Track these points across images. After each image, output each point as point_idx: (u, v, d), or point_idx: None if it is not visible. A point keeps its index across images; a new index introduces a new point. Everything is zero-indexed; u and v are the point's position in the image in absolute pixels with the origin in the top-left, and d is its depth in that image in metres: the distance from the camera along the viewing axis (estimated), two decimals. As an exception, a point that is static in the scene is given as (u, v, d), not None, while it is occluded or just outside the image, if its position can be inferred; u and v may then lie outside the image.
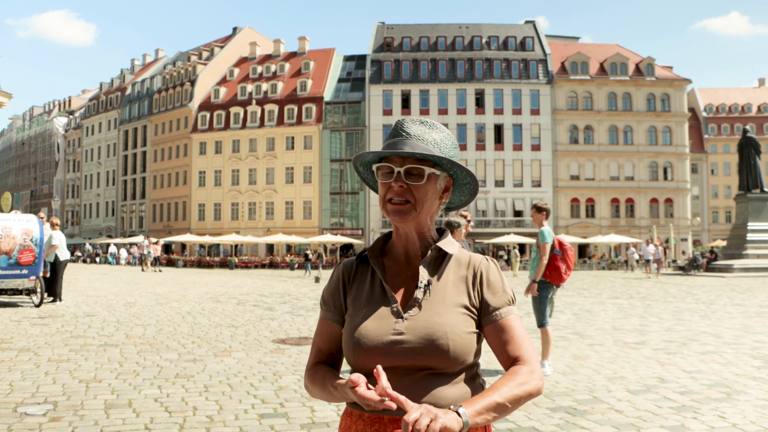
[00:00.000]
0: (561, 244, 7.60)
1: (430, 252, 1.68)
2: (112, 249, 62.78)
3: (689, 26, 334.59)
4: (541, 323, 7.44)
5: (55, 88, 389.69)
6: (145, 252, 43.11)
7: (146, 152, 75.31)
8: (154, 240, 48.48)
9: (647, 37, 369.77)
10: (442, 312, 1.59)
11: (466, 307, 1.62)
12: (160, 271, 42.06)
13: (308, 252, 43.55)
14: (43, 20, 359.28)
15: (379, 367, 1.45)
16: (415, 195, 1.63)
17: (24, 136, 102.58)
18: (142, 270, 41.25)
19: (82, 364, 7.48)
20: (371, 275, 1.71)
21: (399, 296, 1.65)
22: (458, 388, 1.58)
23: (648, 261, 34.19)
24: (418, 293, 1.62)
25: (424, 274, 1.65)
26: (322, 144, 64.97)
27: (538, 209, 7.74)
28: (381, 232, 59.16)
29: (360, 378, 1.46)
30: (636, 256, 46.83)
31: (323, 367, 1.70)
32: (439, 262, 1.69)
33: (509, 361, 1.59)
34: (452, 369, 1.57)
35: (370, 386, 1.46)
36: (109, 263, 60.62)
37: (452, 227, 6.92)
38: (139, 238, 63.47)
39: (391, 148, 1.65)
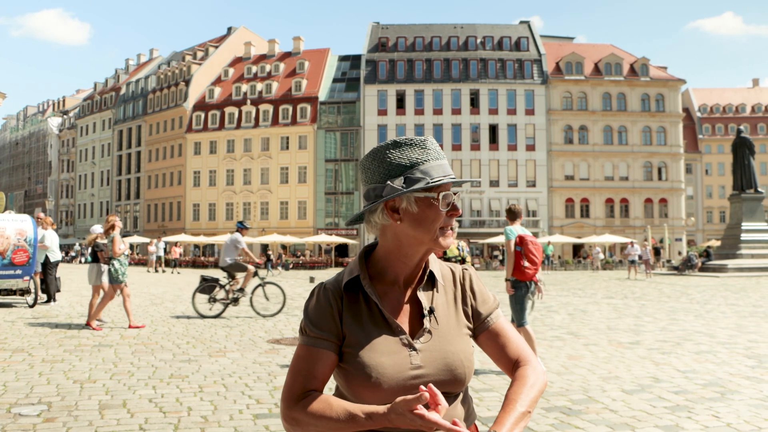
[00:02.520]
0: (522, 239, 7.46)
1: (424, 276, 1.65)
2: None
3: (683, 26, 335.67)
4: (520, 323, 7.30)
5: (49, 87, 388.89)
6: (155, 254, 41.75)
7: (141, 152, 75.15)
8: (162, 240, 47.08)
9: (641, 37, 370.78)
10: (451, 339, 1.58)
11: (466, 326, 1.63)
12: (179, 272, 40.20)
13: (270, 252, 43.39)
14: (37, 19, 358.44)
15: (431, 386, 1.39)
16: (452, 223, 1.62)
17: (18, 136, 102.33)
18: (148, 271, 40.53)
19: (76, 364, 7.46)
20: (365, 303, 1.60)
21: (402, 325, 1.59)
22: (462, 404, 1.60)
23: (632, 262, 33.79)
24: (425, 321, 1.58)
25: (424, 300, 1.61)
26: (317, 144, 64.94)
27: (508, 212, 7.76)
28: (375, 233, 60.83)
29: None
30: (601, 256, 47.26)
31: (327, 396, 1.53)
32: (430, 284, 1.65)
33: (510, 363, 1.62)
34: (459, 390, 1.59)
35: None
36: (88, 262, 60.52)
37: None
38: (141, 239, 63.38)
39: (450, 175, 1.59)
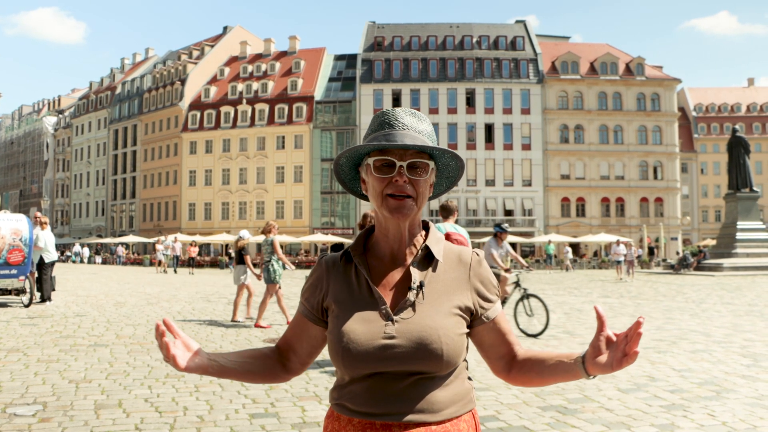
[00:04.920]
0: (447, 236, 7.30)
1: (419, 252, 1.62)
2: (77, 248, 63.75)
3: (679, 26, 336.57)
4: None
5: (44, 86, 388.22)
6: (161, 252, 40.46)
7: (136, 152, 75.02)
8: (168, 238, 45.16)
9: (637, 36, 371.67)
10: (434, 315, 1.54)
11: (459, 308, 1.58)
12: (191, 273, 37.88)
13: (231, 251, 42.75)
14: (32, 18, 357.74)
15: (166, 319, 1.49)
16: (417, 190, 1.57)
17: (13, 135, 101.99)
18: (157, 272, 38.65)
19: (71, 364, 7.44)
20: (356, 274, 1.63)
21: (387, 298, 1.58)
22: (450, 389, 1.55)
23: (619, 262, 33.19)
24: (411, 295, 1.55)
25: (415, 275, 1.58)
26: (313, 143, 64.90)
27: (443, 208, 7.60)
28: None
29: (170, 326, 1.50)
30: (570, 255, 47.28)
31: (263, 349, 1.71)
32: (428, 261, 1.62)
33: (509, 350, 1.67)
34: (444, 372, 1.53)
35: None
36: (73, 262, 60.84)
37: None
38: (137, 238, 63.30)
39: (391, 140, 1.56)
